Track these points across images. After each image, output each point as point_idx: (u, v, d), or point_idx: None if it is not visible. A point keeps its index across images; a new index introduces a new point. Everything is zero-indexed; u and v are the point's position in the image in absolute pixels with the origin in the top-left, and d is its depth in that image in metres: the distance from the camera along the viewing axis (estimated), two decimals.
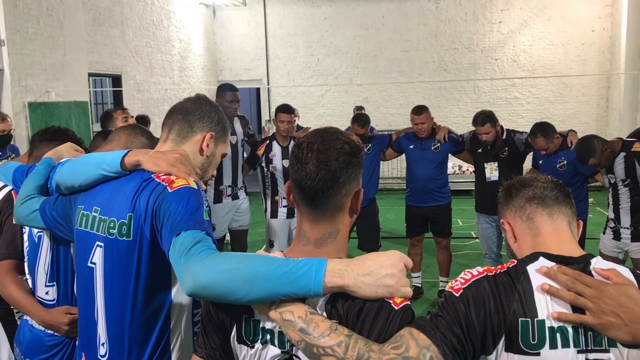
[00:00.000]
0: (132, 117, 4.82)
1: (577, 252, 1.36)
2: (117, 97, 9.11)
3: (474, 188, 5.58)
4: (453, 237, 5.88)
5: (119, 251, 1.65)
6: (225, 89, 4.95)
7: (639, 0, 10.77)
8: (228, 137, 1.94)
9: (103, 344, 1.70)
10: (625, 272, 1.31)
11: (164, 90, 10.31)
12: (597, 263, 1.33)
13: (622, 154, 4.10)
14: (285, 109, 5.06)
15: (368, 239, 5.47)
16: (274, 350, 1.27)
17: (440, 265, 5.57)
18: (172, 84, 10.64)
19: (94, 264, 1.71)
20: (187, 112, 1.83)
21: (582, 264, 1.32)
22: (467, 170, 10.76)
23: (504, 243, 5.09)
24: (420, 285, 5.65)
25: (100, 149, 2.20)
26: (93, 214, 1.74)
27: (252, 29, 12.68)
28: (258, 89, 13.19)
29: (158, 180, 1.65)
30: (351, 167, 1.30)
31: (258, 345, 1.29)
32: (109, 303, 1.69)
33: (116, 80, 9.01)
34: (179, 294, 1.71)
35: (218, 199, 4.90)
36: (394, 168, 11.67)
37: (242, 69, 12.80)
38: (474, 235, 7.28)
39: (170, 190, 1.61)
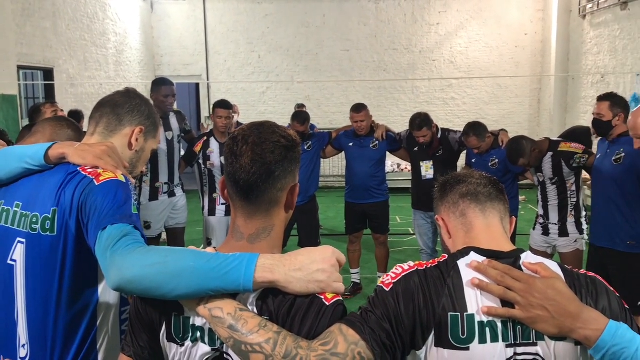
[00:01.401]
0: (62, 111, 4.64)
1: (507, 247, 1.38)
2: (49, 91, 8.75)
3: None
4: (391, 234, 5.97)
5: (42, 247, 1.59)
6: (160, 83, 4.84)
7: (567, 6, 11.27)
8: (159, 133, 1.90)
9: (24, 346, 1.63)
10: (553, 266, 1.33)
11: (99, 85, 9.99)
12: (526, 257, 1.34)
13: (550, 154, 4.26)
14: (223, 105, 5.00)
15: (308, 236, 5.49)
16: (204, 348, 1.25)
17: (378, 261, 5.64)
18: (107, 78, 10.32)
19: (15, 261, 1.64)
20: (116, 105, 1.78)
21: (512, 258, 1.33)
22: (406, 168, 10.95)
23: (439, 239, 5.21)
24: (359, 281, 5.71)
25: (24, 141, 2.11)
26: (14, 209, 1.66)
27: (191, 24, 12.47)
28: (197, 85, 12.98)
29: (84, 174, 1.61)
30: (287, 161, 1.27)
31: (188, 343, 1.26)
32: (30, 302, 1.62)
33: (48, 74, 8.66)
34: (106, 291, 1.66)
35: (154, 196, 4.78)
36: (335, 166, 11.74)
37: (181, 64, 12.57)
38: (412, 232, 7.40)
39: (97, 184, 1.56)
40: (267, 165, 1.24)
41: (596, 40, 10.22)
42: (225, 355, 1.24)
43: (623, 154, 3.75)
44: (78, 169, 1.62)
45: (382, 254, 5.61)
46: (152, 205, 4.76)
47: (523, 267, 1.31)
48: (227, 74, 12.51)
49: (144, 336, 1.32)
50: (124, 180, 1.61)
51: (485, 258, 1.32)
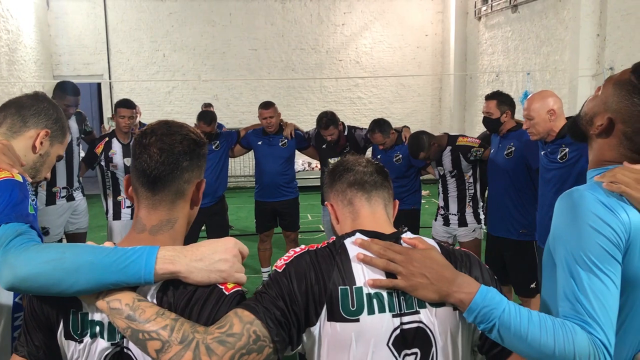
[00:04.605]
0: None
1: (390, 230, 1.48)
2: None
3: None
4: (302, 231, 6.03)
5: None
6: (66, 92, 4.52)
7: (464, 8, 11.85)
8: (66, 139, 1.86)
9: None
10: (430, 241, 1.45)
11: None
12: (406, 235, 1.46)
13: (449, 148, 4.49)
14: (126, 104, 4.85)
15: (217, 237, 5.41)
16: (103, 344, 1.24)
17: None
18: None
19: None
20: (22, 107, 1.74)
21: (393, 238, 1.44)
22: (317, 167, 11.09)
23: None
24: None
25: None
26: None
27: (91, 21, 11.95)
28: (99, 85, 12.47)
29: None
30: (195, 155, 1.31)
31: (87, 339, 1.25)
32: None
33: None
34: None
35: (51, 201, 4.55)
36: (245, 166, 11.69)
37: (81, 63, 12.02)
38: (322, 229, 7.52)
39: None
40: (175, 155, 1.27)
41: (491, 41, 10.81)
42: (125, 350, 1.24)
43: (513, 148, 4.01)
44: None
45: None
46: (49, 210, 4.54)
47: (403, 243, 1.42)
48: (131, 73, 12.11)
49: (39, 335, 1.29)
50: (20, 180, 1.56)
51: (369, 238, 1.41)
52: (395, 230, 1.49)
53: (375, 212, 1.50)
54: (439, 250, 1.42)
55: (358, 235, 1.43)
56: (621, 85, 1.40)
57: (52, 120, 1.76)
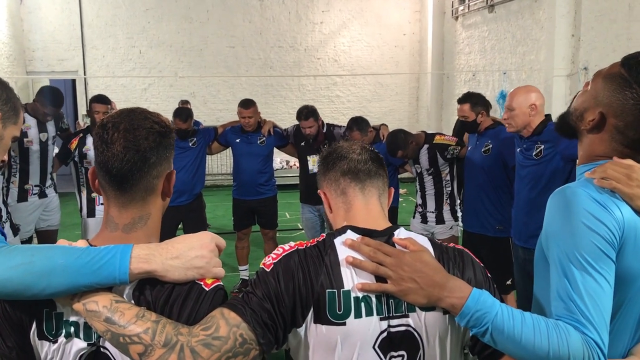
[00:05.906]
0: None
1: (383, 224, 1.43)
2: None
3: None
4: (280, 230, 6.00)
5: None
6: (49, 100, 4.45)
7: (441, 8, 11.94)
8: (20, 119, 1.74)
9: None
10: (422, 240, 1.40)
11: None
12: (399, 234, 1.41)
13: (426, 146, 4.50)
14: (101, 99, 4.78)
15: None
16: (79, 344, 1.20)
17: None
18: None
19: None
20: None
21: (385, 236, 1.39)
22: (294, 165, 11.07)
23: (326, 232, 5.34)
24: (247, 278, 5.69)
25: None
26: None
27: (65, 16, 11.75)
28: (74, 82, 12.27)
29: None
30: (162, 148, 1.24)
31: (61, 339, 1.20)
32: None
33: None
34: None
35: (23, 197, 4.48)
36: (223, 164, 11.62)
37: (55, 59, 11.80)
38: (300, 227, 7.51)
39: None
40: (141, 152, 1.21)
41: (467, 40, 10.91)
42: (102, 349, 1.20)
43: (491, 146, 4.05)
44: None
45: (270, 249, 5.54)
46: (20, 207, 4.46)
47: (395, 243, 1.38)
48: (106, 70, 11.94)
49: (12, 336, 1.23)
50: None
51: (360, 236, 1.37)
52: (389, 224, 1.44)
53: (369, 203, 1.46)
54: (432, 250, 1.38)
55: (349, 233, 1.39)
56: (611, 79, 1.37)
57: (2, 101, 1.63)
